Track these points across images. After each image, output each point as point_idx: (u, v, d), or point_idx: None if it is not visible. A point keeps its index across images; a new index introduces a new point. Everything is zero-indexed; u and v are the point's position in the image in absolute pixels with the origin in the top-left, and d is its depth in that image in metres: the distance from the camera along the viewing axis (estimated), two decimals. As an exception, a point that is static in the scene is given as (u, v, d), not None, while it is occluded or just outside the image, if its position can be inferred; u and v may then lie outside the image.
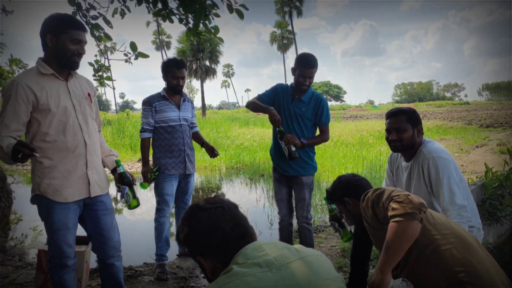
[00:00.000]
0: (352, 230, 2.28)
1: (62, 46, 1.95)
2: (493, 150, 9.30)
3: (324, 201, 2.42)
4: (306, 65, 2.86)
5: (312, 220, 3.19)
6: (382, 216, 1.56)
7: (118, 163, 2.23)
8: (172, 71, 3.12)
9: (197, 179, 8.10)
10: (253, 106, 2.95)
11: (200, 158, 8.80)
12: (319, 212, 4.89)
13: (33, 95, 1.91)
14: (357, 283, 2.45)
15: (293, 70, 2.94)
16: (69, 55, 1.96)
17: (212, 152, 3.35)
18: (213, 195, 1.40)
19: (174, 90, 3.17)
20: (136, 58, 3.79)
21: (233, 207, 1.13)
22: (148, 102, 3.15)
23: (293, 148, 2.77)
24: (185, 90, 3.41)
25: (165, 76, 3.18)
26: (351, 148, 10.10)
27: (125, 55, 3.75)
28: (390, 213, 1.47)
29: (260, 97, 3.01)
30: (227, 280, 0.97)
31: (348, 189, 1.99)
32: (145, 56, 3.70)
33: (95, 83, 3.76)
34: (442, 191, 2.02)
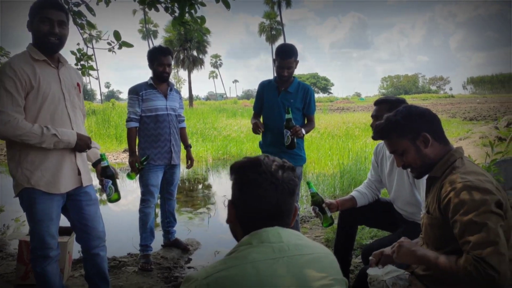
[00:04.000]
0: (332, 216, 2.31)
1: (36, 27, 1.92)
2: (475, 142, 9.48)
3: (307, 186, 2.43)
4: (283, 55, 2.88)
5: (299, 210, 3.22)
6: (452, 233, 1.35)
7: (102, 157, 2.21)
8: (158, 58, 3.09)
9: (183, 170, 8.06)
10: (258, 132, 3.05)
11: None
12: (305, 203, 4.93)
13: (28, 79, 1.87)
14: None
15: (274, 62, 2.96)
16: (41, 36, 1.92)
17: (190, 161, 3.46)
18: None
19: (160, 78, 3.13)
20: (120, 48, 3.73)
21: (288, 191, 1.07)
22: (135, 91, 3.11)
23: (295, 139, 2.83)
24: (172, 80, 3.38)
25: (151, 64, 3.14)
26: (337, 140, 10.17)
27: (109, 44, 3.68)
28: (466, 264, 1.25)
29: (254, 110, 3.23)
30: (236, 262, 0.97)
31: (430, 124, 1.53)
32: (129, 45, 3.64)
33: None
34: (423, 182, 2.05)
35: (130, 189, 6.22)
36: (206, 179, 7.47)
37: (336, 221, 2.60)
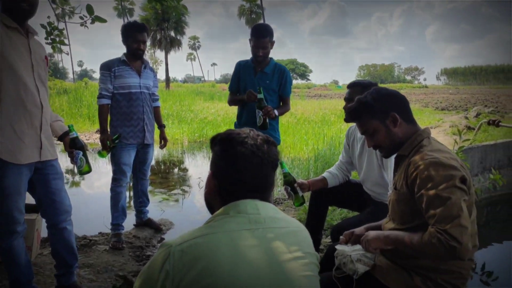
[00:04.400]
0: (303, 196, 2.35)
1: None
2: (445, 131, 9.79)
3: (279, 166, 2.46)
4: (258, 35, 2.87)
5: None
6: (417, 208, 1.40)
7: (71, 128, 2.15)
8: (133, 34, 3.00)
9: (158, 151, 7.98)
10: (233, 103, 3.12)
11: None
12: (279, 185, 4.99)
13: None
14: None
15: (250, 42, 2.95)
16: (13, 0, 1.84)
17: (163, 141, 3.42)
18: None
19: (134, 55, 3.05)
20: (92, 22, 3.59)
21: (271, 165, 1.08)
22: (107, 67, 3.02)
23: (267, 120, 2.83)
24: (148, 60, 3.30)
25: (125, 40, 3.05)
26: (313, 125, 10.27)
27: (81, 18, 3.55)
28: (430, 236, 1.30)
29: (231, 89, 3.16)
30: (211, 230, 0.97)
31: (399, 105, 1.58)
32: (102, 20, 3.51)
33: (47, 48, 3.56)
34: (390, 164, 2.11)
35: (104, 172, 6.12)
36: (182, 161, 7.42)
37: (307, 202, 2.66)
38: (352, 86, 2.38)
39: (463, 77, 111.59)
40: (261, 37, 2.86)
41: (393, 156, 1.87)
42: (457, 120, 11.49)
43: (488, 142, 4.87)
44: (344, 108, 2.37)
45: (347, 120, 2.40)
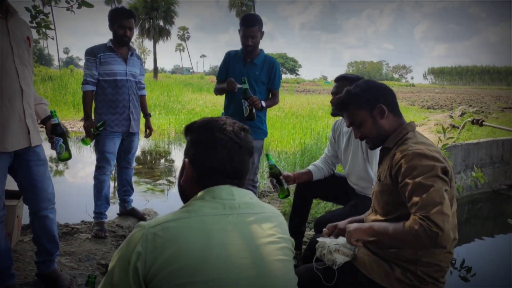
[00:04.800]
0: (288, 188, 2.36)
1: None
2: (430, 129, 9.94)
3: (265, 158, 2.47)
4: (247, 24, 2.84)
5: (258, 183, 3.26)
6: (400, 200, 1.43)
7: (53, 114, 2.10)
8: (120, 20, 2.94)
9: (144, 142, 7.90)
10: (218, 92, 3.10)
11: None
12: (265, 178, 5.00)
13: None
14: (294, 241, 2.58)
15: (239, 32, 2.92)
16: None
17: (148, 130, 3.37)
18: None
19: (120, 41, 3.00)
20: (79, 7, 3.52)
21: (248, 152, 1.09)
22: (92, 53, 2.95)
23: (254, 110, 2.81)
24: (136, 49, 3.24)
25: (112, 26, 2.99)
26: (300, 120, 10.30)
27: (67, 2, 3.48)
28: (412, 223, 1.31)
29: (218, 79, 3.12)
30: (186, 215, 0.98)
31: (386, 97, 1.59)
32: (89, 5, 3.45)
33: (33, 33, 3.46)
34: (375, 158, 2.13)
35: (88, 159, 6.03)
36: (168, 152, 7.37)
37: (292, 194, 2.67)
38: (339, 80, 2.39)
39: (449, 77, 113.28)
40: (250, 25, 2.83)
41: (378, 150, 1.89)
42: (442, 119, 11.67)
43: (471, 141, 4.96)
44: (331, 102, 2.38)
45: (334, 113, 2.41)
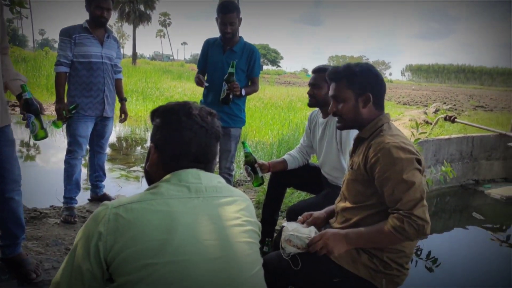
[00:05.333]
0: (263, 177, 2.38)
1: None
2: (405, 124, 10.15)
3: (242, 145, 2.48)
4: (224, 10, 2.80)
5: (234, 172, 3.26)
6: (373, 190, 1.48)
7: (24, 88, 1.98)
8: (96, 0, 2.84)
9: (120, 128, 7.75)
10: (200, 85, 3.00)
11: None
12: (241, 167, 5.00)
13: None
14: (266, 229, 2.60)
15: (216, 20, 2.88)
16: None
17: (124, 115, 3.30)
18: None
19: (97, 22, 2.90)
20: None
21: (215, 136, 1.09)
22: (67, 33, 2.85)
23: (231, 95, 2.79)
24: (115, 33, 3.15)
25: (88, 6, 2.88)
26: (279, 111, 10.34)
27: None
28: (397, 222, 1.36)
29: (198, 67, 3.09)
30: (151, 197, 0.97)
31: (378, 89, 1.59)
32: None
33: (6, 12, 3.31)
34: (348, 150, 2.15)
35: (60, 142, 5.87)
36: (145, 139, 7.26)
37: (267, 183, 2.69)
38: (317, 71, 2.38)
39: (426, 74, 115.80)
40: (228, 12, 2.79)
41: (352, 140, 1.91)
42: (417, 115, 11.93)
43: (442, 137, 5.10)
44: (309, 93, 2.38)
45: (311, 104, 2.41)
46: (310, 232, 1.56)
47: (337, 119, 1.66)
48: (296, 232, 1.54)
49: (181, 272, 0.90)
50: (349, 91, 1.57)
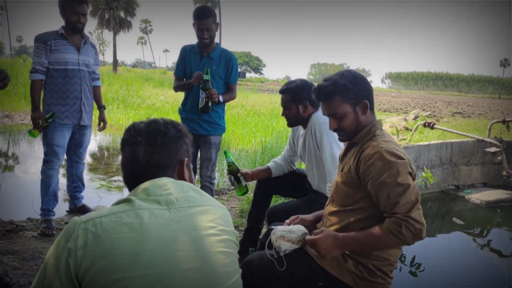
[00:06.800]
0: (247, 185, 2.36)
1: None
2: (386, 131, 10.31)
3: (224, 155, 2.45)
4: (200, 16, 2.77)
5: (215, 180, 3.22)
6: (364, 194, 1.48)
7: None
8: (72, 6, 2.78)
9: (101, 137, 7.61)
10: (179, 89, 2.97)
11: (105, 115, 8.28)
12: (224, 175, 4.96)
13: None
14: (250, 238, 2.58)
15: (193, 26, 2.85)
16: None
17: (102, 123, 3.24)
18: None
19: (74, 28, 2.84)
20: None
21: (153, 142, 1.08)
22: (42, 40, 2.78)
23: (209, 103, 2.74)
24: (95, 41, 3.09)
25: (64, 12, 2.82)
26: (262, 118, 10.34)
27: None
28: (394, 226, 1.35)
29: (176, 75, 3.03)
30: (121, 209, 0.95)
31: (370, 93, 1.61)
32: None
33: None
34: (325, 155, 2.15)
35: (39, 154, 5.72)
36: (125, 147, 7.14)
37: (252, 191, 2.67)
38: (282, 92, 2.31)
39: (405, 82, 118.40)
40: (204, 17, 2.76)
41: (327, 147, 1.93)
42: (397, 121, 12.13)
43: (422, 143, 5.18)
44: (283, 115, 2.34)
45: (290, 125, 2.39)
46: (301, 228, 1.55)
47: (338, 134, 1.62)
48: (288, 229, 1.52)
49: (155, 284, 0.89)
50: (346, 105, 1.54)
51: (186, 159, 1.14)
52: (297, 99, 2.24)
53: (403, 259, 3.02)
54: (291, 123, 2.36)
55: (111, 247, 0.88)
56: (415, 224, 1.34)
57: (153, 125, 1.10)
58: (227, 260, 1.01)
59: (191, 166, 1.19)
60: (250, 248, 2.53)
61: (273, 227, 1.59)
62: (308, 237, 1.50)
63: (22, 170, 5.21)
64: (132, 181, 1.08)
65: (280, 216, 2.10)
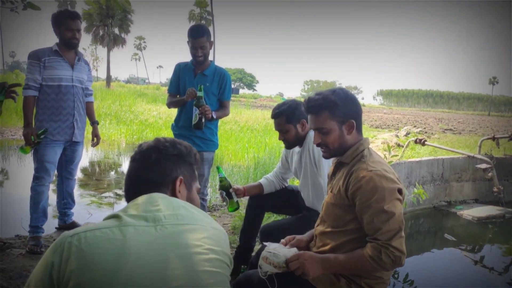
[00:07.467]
0: (239, 201, 2.34)
1: None
2: (378, 147, 10.38)
3: (216, 170, 2.44)
4: (194, 35, 2.82)
5: (208, 196, 3.20)
6: (353, 216, 1.48)
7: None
8: (66, 22, 2.80)
9: (93, 152, 7.55)
10: (172, 105, 3.01)
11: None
12: (216, 191, 4.93)
13: None
14: (242, 256, 2.55)
15: (188, 44, 2.89)
16: None
17: (96, 139, 3.23)
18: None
19: (69, 44, 2.86)
20: (24, 9, 3.35)
21: (143, 160, 1.13)
22: (36, 56, 2.79)
23: (203, 120, 2.75)
24: (89, 57, 3.12)
25: (58, 29, 2.84)
26: (255, 134, 10.37)
27: (11, 3, 3.30)
28: (375, 251, 1.38)
29: (170, 92, 3.06)
30: (107, 224, 0.96)
31: (358, 113, 1.62)
32: (36, 8, 3.30)
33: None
34: (323, 172, 2.16)
35: (29, 169, 5.65)
36: (118, 164, 7.09)
37: (244, 207, 2.65)
38: (276, 116, 2.29)
39: (397, 99, 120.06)
40: (198, 36, 2.81)
41: (325, 164, 1.92)
42: (389, 138, 12.23)
43: (414, 159, 5.21)
44: (280, 139, 2.35)
45: (288, 147, 2.39)
46: (290, 252, 1.52)
47: (322, 149, 1.62)
48: (275, 251, 1.50)
49: None
50: (333, 122, 1.54)
51: (181, 177, 1.14)
52: (293, 119, 2.24)
53: (396, 275, 3.00)
54: (290, 145, 2.35)
55: (92, 263, 0.88)
56: (394, 252, 1.36)
57: (153, 143, 1.15)
58: (211, 280, 0.97)
59: (195, 185, 1.21)
60: (242, 266, 2.50)
61: (266, 244, 1.57)
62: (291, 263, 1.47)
63: (11, 186, 5.14)
64: (127, 196, 1.12)
65: (274, 234, 2.08)
